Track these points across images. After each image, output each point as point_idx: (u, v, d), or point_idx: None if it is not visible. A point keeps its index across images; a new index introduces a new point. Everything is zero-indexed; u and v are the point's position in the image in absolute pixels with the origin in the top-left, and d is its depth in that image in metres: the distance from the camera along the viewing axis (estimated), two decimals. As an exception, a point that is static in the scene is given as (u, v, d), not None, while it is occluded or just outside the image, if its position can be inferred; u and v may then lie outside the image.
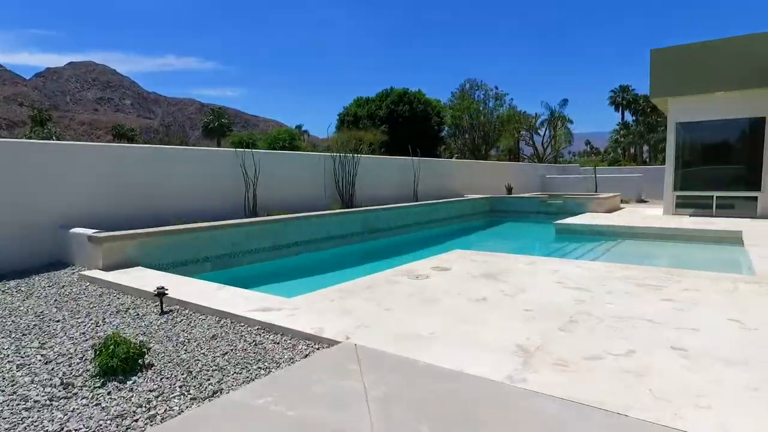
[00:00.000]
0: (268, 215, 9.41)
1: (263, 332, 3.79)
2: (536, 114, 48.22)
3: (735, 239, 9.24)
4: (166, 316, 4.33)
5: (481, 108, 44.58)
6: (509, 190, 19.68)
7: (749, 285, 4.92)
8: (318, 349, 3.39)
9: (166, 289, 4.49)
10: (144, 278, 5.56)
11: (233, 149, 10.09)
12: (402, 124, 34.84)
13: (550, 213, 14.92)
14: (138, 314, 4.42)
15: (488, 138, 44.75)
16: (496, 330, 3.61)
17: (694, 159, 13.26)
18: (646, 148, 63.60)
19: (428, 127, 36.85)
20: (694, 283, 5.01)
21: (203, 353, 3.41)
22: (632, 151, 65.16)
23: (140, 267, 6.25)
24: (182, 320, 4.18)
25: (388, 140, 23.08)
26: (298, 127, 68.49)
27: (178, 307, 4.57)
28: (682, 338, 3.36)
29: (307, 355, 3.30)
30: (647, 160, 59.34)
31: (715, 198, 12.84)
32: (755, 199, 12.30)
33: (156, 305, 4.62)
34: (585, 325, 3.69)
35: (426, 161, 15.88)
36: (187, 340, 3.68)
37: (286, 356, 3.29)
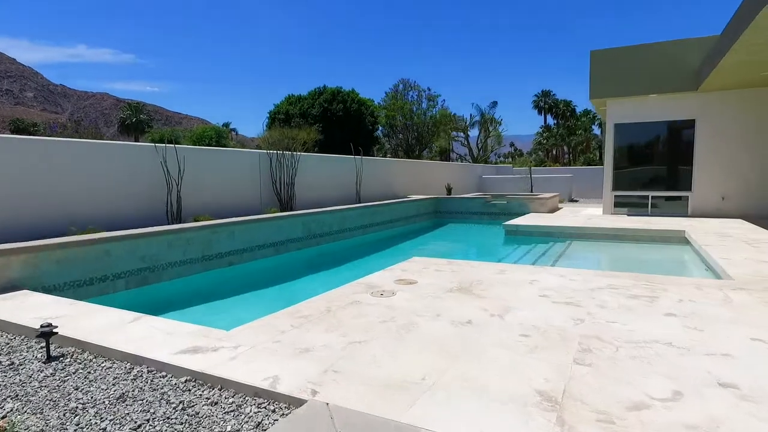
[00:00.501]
0: (195, 221, 8.18)
1: (195, 386, 2.78)
2: (471, 115, 49.23)
3: (680, 238, 9.32)
4: (54, 364, 3.18)
5: (414, 108, 44.70)
6: (449, 190, 19.42)
7: (737, 293, 4.59)
8: (275, 411, 2.46)
9: (55, 327, 3.33)
10: (29, 307, 4.28)
11: (152, 144, 8.72)
12: (336, 123, 34.02)
13: (493, 213, 14.70)
14: (12, 363, 3.22)
15: (422, 138, 44.93)
16: (501, 367, 2.87)
17: (631, 160, 13.53)
18: (566, 149, 67.13)
19: (362, 126, 36.29)
20: (683, 293, 4.60)
21: (104, 429, 2.36)
22: (554, 152, 68.60)
23: (26, 291, 4.91)
24: (77, 371, 3.06)
25: (322, 139, 22.18)
26: (226, 125, 65.10)
27: (73, 349, 3.41)
28: (723, 370, 2.80)
29: (260, 424, 2.36)
30: (567, 161, 62.59)
31: (650, 198, 13.18)
32: (687, 198, 12.74)
33: (42, 347, 3.44)
34: (602, 354, 3.05)
35: (369, 160, 15.10)
36: (81, 406, 2.60)
37: (229, 428, 2.34)
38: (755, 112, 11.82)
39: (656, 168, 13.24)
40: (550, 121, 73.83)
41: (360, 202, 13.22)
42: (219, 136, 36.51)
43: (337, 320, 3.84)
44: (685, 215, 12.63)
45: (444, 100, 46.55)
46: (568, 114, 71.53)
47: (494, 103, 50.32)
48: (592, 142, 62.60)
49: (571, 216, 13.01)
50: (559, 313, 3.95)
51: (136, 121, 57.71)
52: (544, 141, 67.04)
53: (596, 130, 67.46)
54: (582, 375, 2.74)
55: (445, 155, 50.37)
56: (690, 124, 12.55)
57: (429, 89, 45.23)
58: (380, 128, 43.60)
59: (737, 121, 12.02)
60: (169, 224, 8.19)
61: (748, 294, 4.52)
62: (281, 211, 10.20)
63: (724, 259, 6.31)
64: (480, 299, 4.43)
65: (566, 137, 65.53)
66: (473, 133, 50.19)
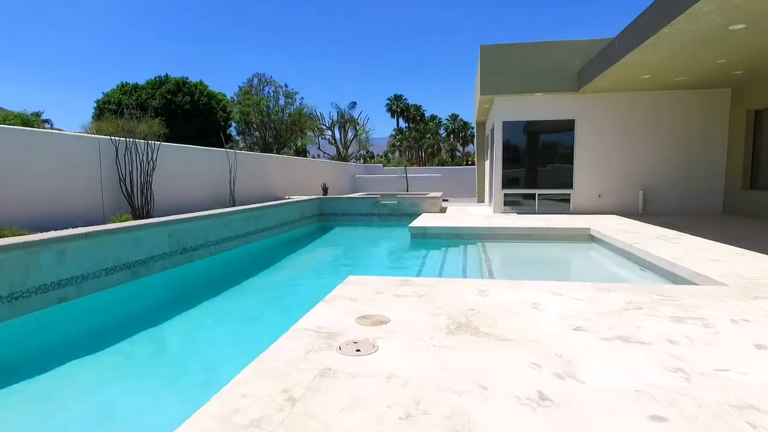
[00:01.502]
0: (-5, 238, 5.32)
1: None
2: (338, 113, 48.30)
3: (587, 236, 9.17)
4: None
5: (271, 105, 41.99)
6: (325, 190, 17.90)
7: (765, 303, 3.92)
8: None
9: None
10: None
11: None
12: (181, 116, 30.00)
13: (384, 215, 13.56)
14: None
15: (280, 137, 42.43)
16: None
17: (518, 158, 13.52)
18: (418, 151, 70.37)
19: (213, 122, 32.66)
20: (717, 308, 3.78)
21: None
22: (408, 154, 71.47)
23: None
24: None
25: (167, 133, 18.93)
26: (36, 114, 53.69)
27: None
28: None
29: None
30: (419, 163, 65.48)
31: (537, 196, 13.30)
32: (569, 196, 13.11)
33: None
34: (818, 449, 1.83)
35: (244, 155, 12.76)
36: None
37: None
38: (626, 115, 12.56)
39: (542, 166, 13.41)
40: (402, 124, 76.70)
41: (235, 205, 10.90)
42: (26, 126, 29.54)
43: (318, 424, 2.04)
44: (568, 212, 12.96)
45: (303, 98, 44.68)
46: (418, 118, 75.16)
47: (353, 104, 50.01)
48: (444, 145, 66.47)
49: (467, 216, 12.45)
50: (636, 361, 2.71)
51: None
52: (398, 144, 69.33)
53: (443, 134, 71.91)
54: None
55: (302, 155, 48.39)
56: (571, 125, 12.91)
57: (286, 85, 42.91)
58: (234, 125, 40.12)
59: (611, 123, 12.67)
60: (-54, 244, 5.18)
61: (775, 304, 3.87)
62: (136, 219, 7.55)
63: (677, 258, 5.89)
64: (506, 345, 2.99)
65: (419, 140, 68.67)
66: (330, 132, 49.17)
